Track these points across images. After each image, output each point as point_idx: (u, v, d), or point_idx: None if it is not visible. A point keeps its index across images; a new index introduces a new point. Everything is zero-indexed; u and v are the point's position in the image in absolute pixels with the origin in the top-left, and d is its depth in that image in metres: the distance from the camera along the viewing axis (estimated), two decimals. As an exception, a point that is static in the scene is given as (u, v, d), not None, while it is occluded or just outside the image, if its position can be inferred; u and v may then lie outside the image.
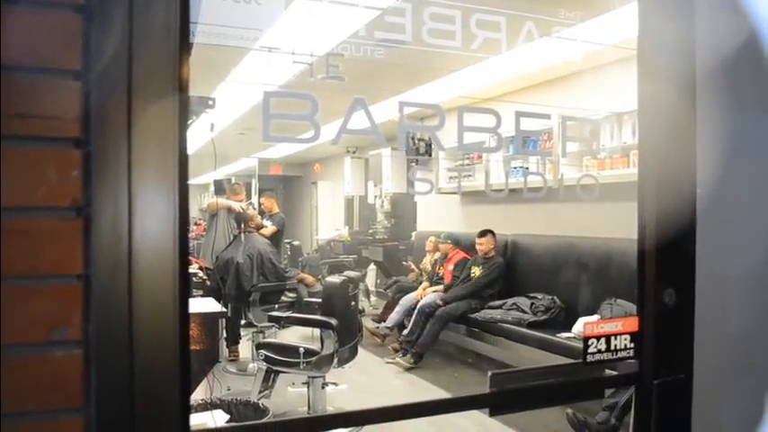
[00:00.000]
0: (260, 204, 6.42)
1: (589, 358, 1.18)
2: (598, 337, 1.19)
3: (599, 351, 1.19)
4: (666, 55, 1.27)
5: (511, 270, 5.46)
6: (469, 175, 5.55)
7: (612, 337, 1.20)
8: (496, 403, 1.15)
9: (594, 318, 4.00)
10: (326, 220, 11.95)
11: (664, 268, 1.23)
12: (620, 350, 1.21)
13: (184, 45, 0.88)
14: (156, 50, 0.85)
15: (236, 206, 5.44)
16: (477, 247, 5.54)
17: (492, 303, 5.19)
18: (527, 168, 4.72)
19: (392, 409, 1.10)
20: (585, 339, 1.18)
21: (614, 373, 1.24)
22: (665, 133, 1.25)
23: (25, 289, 0.73)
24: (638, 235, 1.23)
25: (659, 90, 1.27)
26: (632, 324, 1.22)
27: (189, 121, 1.22)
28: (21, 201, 0.73)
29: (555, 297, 4.81)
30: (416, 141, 5.60)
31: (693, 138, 1.27)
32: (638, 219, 1.24)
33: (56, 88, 0.76)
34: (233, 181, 6.83)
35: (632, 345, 1.22)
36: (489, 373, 1.12)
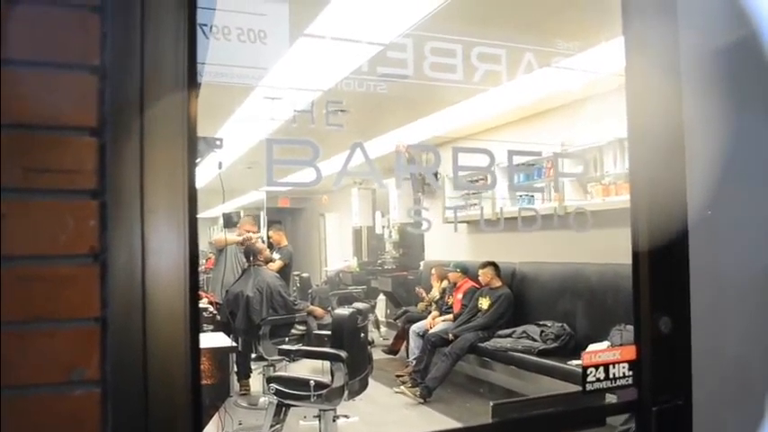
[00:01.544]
0: (268, 237, 6.49)
1: (588, 387, 1.22)
2: (596, 366, 1.22)
3: (598, 380, 1.22)
4: (654, 80, 1.33)
5: (519, 298, 5.47)
6: (475, 204, 5.60)
7: (611, 366, 1.23)
8: (499, 433, 1.18)
9: (605, 344, 4.00)
10: (335, 252, 12.00)
11: (658, 297, 1.26)
12: (619, 378, 1.24)
13: (193, 94, 0.94)
14: (166, 102, 0.91)
15: (239, 239, 5.50)
16: (480, 278, 5.58)
17: (501, 332, 5.19)
18: (532, 197, 4.78)
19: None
20: (584, 369, 1.21)
21: (614, 400, 1.27)
22: (654, 163, 1.29)
23: (46, 332, 0.78)
24: (632, 264, 1.27)
25: (647, 120, 1.32)
26: (630, 352, 1.25)
27: (197, 162, 1.28)
28: (42, 249, 0.79)
29: (564, 324, 4.82)
30: (422, 173, 5.65)
31: (683, 168, 1.32)
32: (631, 248, 1.28)
33: (74, 144, 0.82)
34: (242, 214, 6.90)
35: (630, 373, 1.25)
36: (491, 404, 1.16)
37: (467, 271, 5.96)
